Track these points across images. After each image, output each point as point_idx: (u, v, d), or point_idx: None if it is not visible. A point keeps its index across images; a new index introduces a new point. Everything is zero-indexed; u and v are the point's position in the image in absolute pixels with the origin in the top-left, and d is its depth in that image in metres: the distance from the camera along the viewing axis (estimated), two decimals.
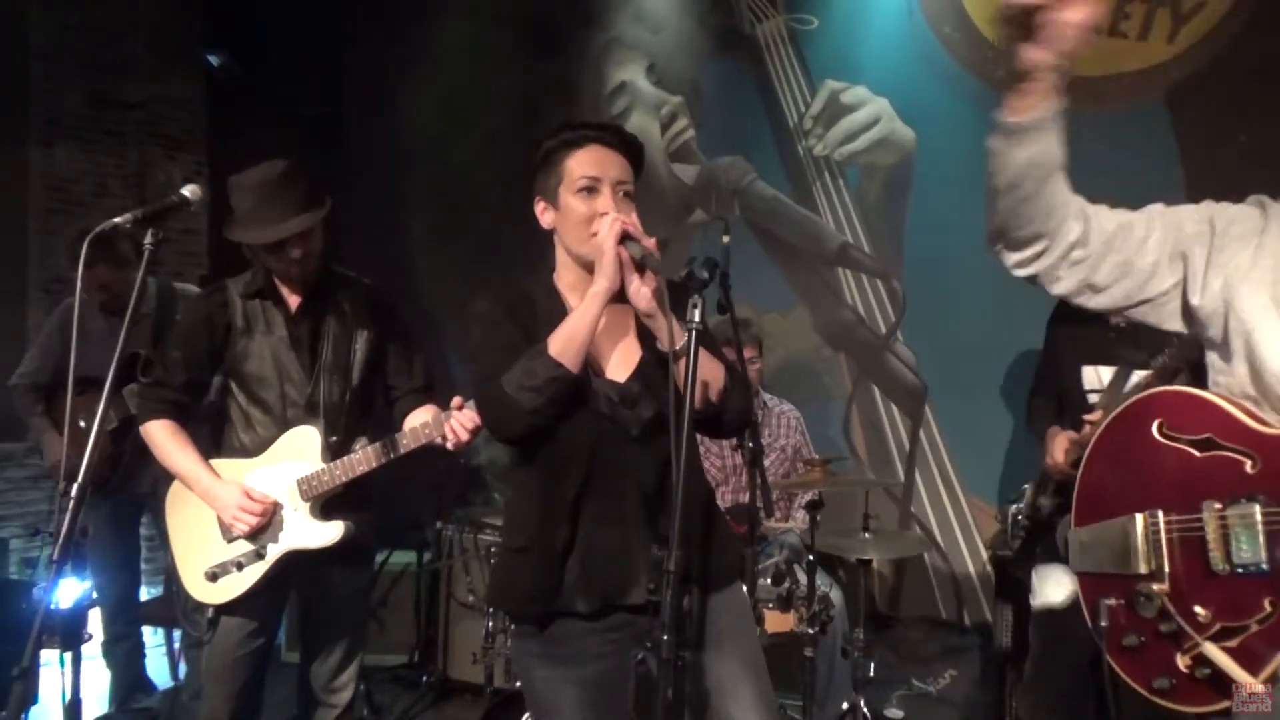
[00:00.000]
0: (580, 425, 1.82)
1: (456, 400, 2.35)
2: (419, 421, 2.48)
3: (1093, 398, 3.01)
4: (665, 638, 1.48)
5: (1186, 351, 2.39)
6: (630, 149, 1.88)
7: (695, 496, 1.86)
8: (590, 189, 1.81)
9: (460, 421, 2.34)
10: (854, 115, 4.65)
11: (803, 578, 3.08)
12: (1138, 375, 2.84)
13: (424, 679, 4.10)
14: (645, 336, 1.88)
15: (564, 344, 1.74)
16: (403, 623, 4.31)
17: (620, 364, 1.89)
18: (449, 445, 2.38)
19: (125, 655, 3.76)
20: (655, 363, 1.86)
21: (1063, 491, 3.02)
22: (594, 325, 1.75)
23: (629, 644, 1.88)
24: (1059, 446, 3.14)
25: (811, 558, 3.06)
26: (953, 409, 4.36)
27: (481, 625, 3.66)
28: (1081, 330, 3.08)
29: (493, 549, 3.80)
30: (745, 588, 2.10)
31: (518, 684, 3.17)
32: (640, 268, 1.72)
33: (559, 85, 5.34)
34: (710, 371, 1.81)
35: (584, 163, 1.82)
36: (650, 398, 1.84)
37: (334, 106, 5.80)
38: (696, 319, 1.59)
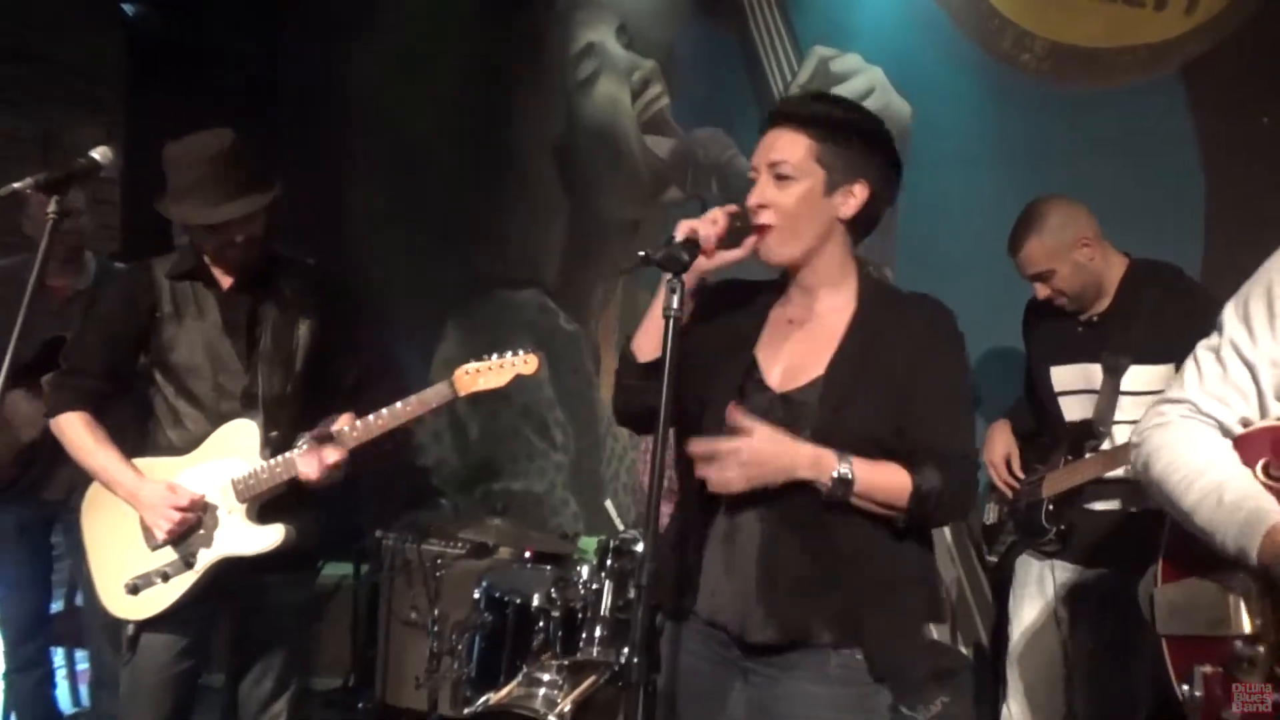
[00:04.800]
0: None
1: None
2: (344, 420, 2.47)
3: (1065, 400, 2.92)
4: (635, 660, 1.45)
5: None
6: None
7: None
8: None
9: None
10: (845, 86, 4.64)
11: None
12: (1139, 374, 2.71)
13: (360, 705, 4.06)
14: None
15: None
16: (338, 642, 4.22)
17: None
18: None
19: (33, 685, 3.60)
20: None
21: (1010, 503, 3.04)
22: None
23: None
24: (998, 441, 3.11)
25: None
26: None
27: (426, 645, 3.62)
28: (1049, 326, 2.99)
29: (439, 560, 3.76)
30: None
31: (465, 710, 3.13)
32: None
33: (522, 46, 5.28)
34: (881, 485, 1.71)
35: None
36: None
37: (269, 67, 5.68)
38: (674, 305, 1.55)
